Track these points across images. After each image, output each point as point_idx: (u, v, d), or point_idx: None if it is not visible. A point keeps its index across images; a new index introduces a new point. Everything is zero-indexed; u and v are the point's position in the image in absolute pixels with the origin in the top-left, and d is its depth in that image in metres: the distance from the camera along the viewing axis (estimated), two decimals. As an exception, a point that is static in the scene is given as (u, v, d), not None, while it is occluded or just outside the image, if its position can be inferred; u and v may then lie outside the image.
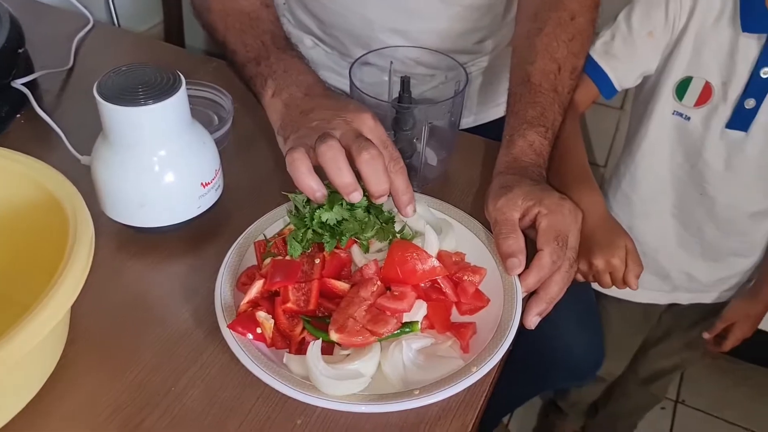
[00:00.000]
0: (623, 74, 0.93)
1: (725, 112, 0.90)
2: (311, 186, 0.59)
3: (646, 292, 1.12)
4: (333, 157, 0.58)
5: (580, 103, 0.93)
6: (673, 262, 1.07)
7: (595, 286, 1.11)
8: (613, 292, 1.13)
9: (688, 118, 0.92)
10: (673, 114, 0.94)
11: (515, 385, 1.16)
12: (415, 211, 0.62)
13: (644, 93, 0.98)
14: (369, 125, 0.63)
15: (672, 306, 1.17)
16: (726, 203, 0.97)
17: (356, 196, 0.59)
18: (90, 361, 0.58)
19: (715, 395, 1.70)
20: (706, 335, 1.12)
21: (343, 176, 0.58)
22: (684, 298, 1.12)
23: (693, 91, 0.91)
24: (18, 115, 0.84)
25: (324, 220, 0.62)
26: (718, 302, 1.12)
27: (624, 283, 0.74)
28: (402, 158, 0.63)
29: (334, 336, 0.55)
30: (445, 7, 0.87)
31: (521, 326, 0.62)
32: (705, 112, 0.91)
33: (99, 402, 0.55)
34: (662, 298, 1.13)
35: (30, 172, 0.58)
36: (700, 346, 1.24)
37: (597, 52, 0.93)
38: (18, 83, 0.82)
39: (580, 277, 0.77)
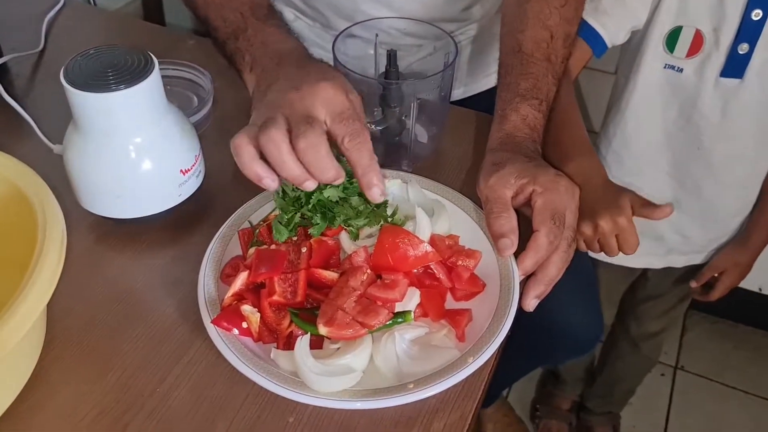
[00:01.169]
0: (614, 30, 0.90)
1: (718, 59, 0.87)
2: (257, 173, 0.55)
3: (640, 256, 1.10)
4: (274, 148, 0.54)
5: (574, 67, 0.90)
6: (668, 223, 1.05)
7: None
8: (607, 258, 1.12)
9: (681, 70, 0.90)
10: (664, 68, 0.91)
11: (515, 361, 1.15)
12: (383, 194, 0.56)
13: (630, 49, 0.96)
14: (324, 97, 0.56)
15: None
16: (724, 154, 0.95)
17: (309, 185, 0.55)
18: (70, 363, 0.56)
19: (715, 360, 1.69)
20: (693, 284, 1.11)
21: (286, 169, 0.54)
22: (679, 261, 1.11)
23: (684, 41, 0.88)
24: (-13, 102, 0.80)
25: (326, 197, 0.59)
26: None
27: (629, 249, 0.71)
28: (367, 132, 0.56)
29: (322, 330, 0.53)
30: None
31: (520, 305, 0.59)
32: (697, 62, 0.89)
33: (81, 406, 0.53)
34: (657, 262, 1.12)
35: (-5, 167, 0.55)
36: (688, 301, 1.24)
37: (586, 11, 0.90)
38: (-15, 69, 0.78)
39: (583, 245, 0.74)
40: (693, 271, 1.13)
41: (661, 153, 0.98)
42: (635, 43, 0.93)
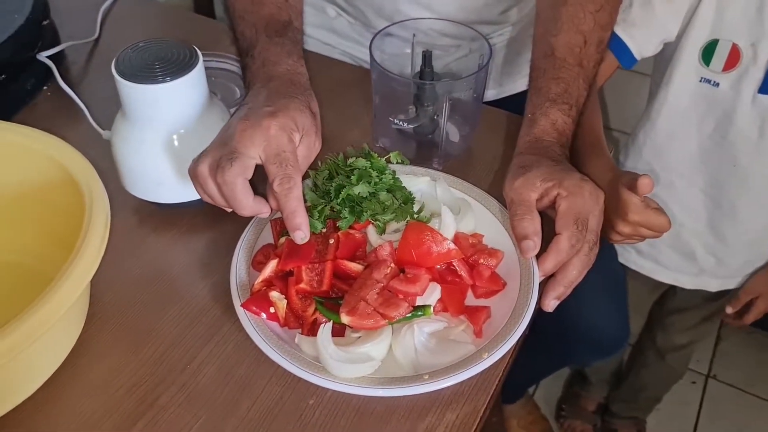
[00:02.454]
0: (642, 42, 0.89)
1: (756, 75, 0.85)
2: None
3: (671, 272, 1.10)
4: (201, 183, 0.60)
5: (600, 75, 0.89)
6: (702, 244, 1.04)
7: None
8: (638, 267, 1.11)
9: (717, 84, 0.88)
10: (700, 81, 0.89)
11: (540, 359, 1.16)
12: (306, 237, 0.57)
13: (663, 60, 0.94)
14: (265, 135, 0.57)
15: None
16: (762, 173, 0.93)
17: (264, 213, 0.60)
18: (109, 337, 0.60)
19: (748, 370, 1.67)
20: (729, 309, 1.09)
21: (213, 200, 0.60)
22: (712, 285, 1.09)
23: (720, 55, 0.86)
24: (44, 88, 0.84)
25: (356, 193, 0.62)
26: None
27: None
28: (298, 176, 0.57)
29: (345, 318, 0.55)
30: None
31: (540, 306, 0.61)
32: (734, 77, 0.87)
33: (118, 377, 0.57)
34: (687, 282, 1.10)
35: (48, 151, 0.59)
36: (717, 321, 1.22)
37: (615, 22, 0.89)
38: (43, 56, 0.83)
39: (629, 242, 0.73)
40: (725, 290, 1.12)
41: (695, 168, 0.96)
42: (668, 53, 0.92)
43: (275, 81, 0.65)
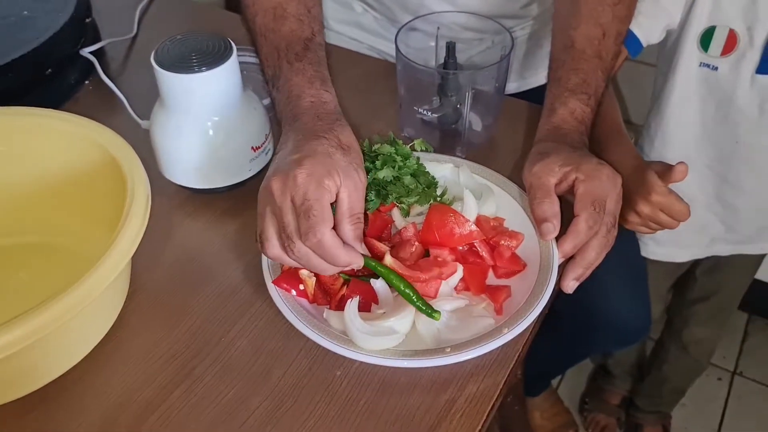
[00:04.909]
0: (648, 30, 0.91)
1: (753, 57, 0.88)
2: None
3: (685, 249, 1.12)
4: (282, 261, 0.59)
5: None
6: (710, 213, 1.06)
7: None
8: (655, 254, 1.13)
9: (716, 68, 0.91)
10: (700, 66, 0.92)
11: (562, 348, 1.18)
12: (359, 264, 0.58)
13: (667, 48, 0.97)
14: (293, 186, 0.56)
15: (709, 265, 1.16)
16: (764, 148, 0.95)
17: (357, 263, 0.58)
18: (148, 312, 0.63)
19: (776, 367, 1.66)
20: None
21: (326, 270, 0.58)
22: (724, 250, 1.11)
23: (718, 41, 0.89)
24: (86, 82, 0.89)
25: (381, 177, 0.64)
26: (762, 254, 1.10)
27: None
28: (321, 227, 0.55)
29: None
30: None
31: (561, 289, 0.63)
32: (733, 61, 0.89)
33: (156, 349, 0.60)
34: (701, 252, 1.12)
35: (93, 136, 0.63)
36: (736, 304, 1.22)
37: None
38: (86, 51, 0.87)
39: (644, 229, 0.76)
40: (741, 272, 1.13)
41: (701, 148, 0.99)
42: (671, 43, 0.95)
43: (301, 119, 0.64)
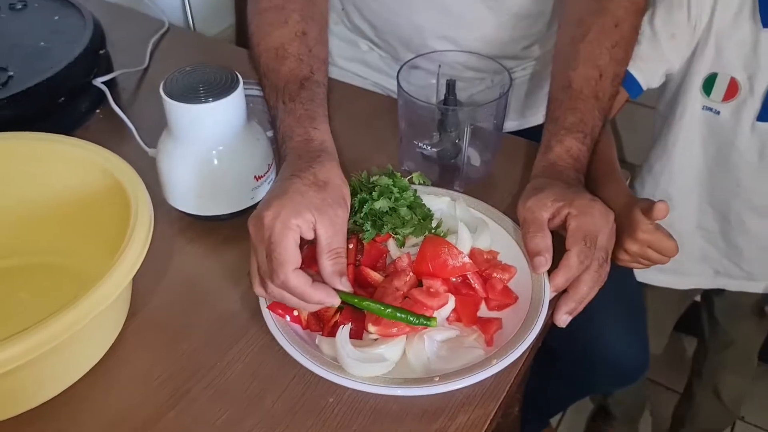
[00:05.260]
0: (649, 74, 0.94)
1: (754, 105, 0.90)
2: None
3: (688, 277, 1.13)
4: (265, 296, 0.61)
5: (612, 108, 0.94)
6: (713, 247, 1.07)
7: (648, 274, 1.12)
8: (656, 281, 1.14)
9: (718, 113, 0.94)
10: (702, 109, 0.95)
11: (560, 387, 1.18)
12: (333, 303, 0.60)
13: (671, 91, 0.99)
14: (267, 234, 0.58)
15: (725, 305, 1.16)
16: (764, 193, 0.97)
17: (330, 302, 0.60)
18: (147, 334, 0.65)
19: (780, 413, 1.64)
20: None
21: (303, 307, 0.60)
22: (732, 285, 1.12)
23: (719, 87, 0.92)
24: (97, 110, 0.92)
25: (377, 207, 0.66)
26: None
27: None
28: (281, 274, 0.57)
29: (372, 329, 0.59)
30: (492, 15, 0.89)
31: (566, 326, 0.64)
32: (734, 106, 0.92)
33: (154, 369, 0.62)
34: (706, 282, 1.13)
35: (100, 161, 0.65)
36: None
37: None
38: (98, 81, 0.90)
39: (636, 265, 0.76)
40: (757, 312, 1.13)
41: (704, 188, 1.01)
42: (675, 87, 0.97)
43: (287, 159, 0.67)
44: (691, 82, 0.93)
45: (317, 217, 0.59)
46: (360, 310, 0.61)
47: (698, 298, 1.27)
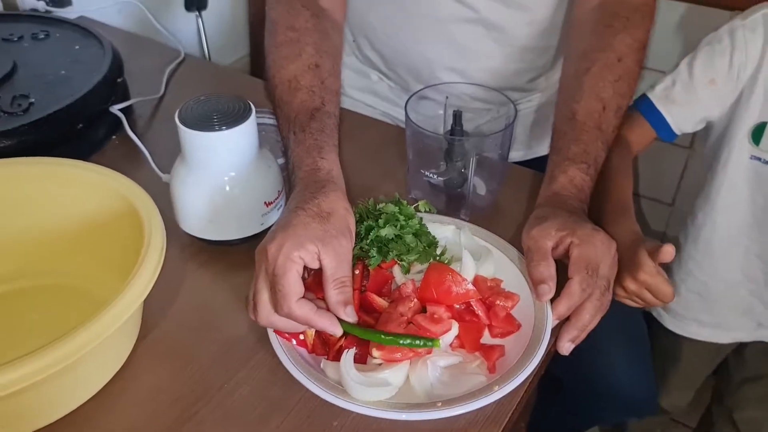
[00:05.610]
0: (681, 119, 0.94)
1: None
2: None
3: (730, 332, 1.12)
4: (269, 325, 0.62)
5: (635, 144, 0.95)
6: (756, 299, 1.06)
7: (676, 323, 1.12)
8: (697, 335, 1.13)
9: (767, 162, 0.93)
10: (750, 158, 0.94)
11: (566, 417, 1.17)
12: (335, 332, 0.61)
13: (716, 139, 0.99)
14: (271, 266, 0.60)
15: (760, 348, 1.16)
16: None
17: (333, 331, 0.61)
18: (157, 355, 0.66)
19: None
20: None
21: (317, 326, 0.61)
22: None
23: None
24: (113, 137, 0.94)
25: (383, 234, 0.67)
26: None
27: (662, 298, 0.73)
28: (285, 304, 0.59)
29: (376, 354, 0.60)
30: (498, 48, 0.91)
31: (570, 356, 0.65)
32: None
33: (162, 392, 0.63)
34: (748, 336, 1.12)
35: (115, 186, 0.67)
36: None
37: (656, 97, 0.95)
38: (115, 108, 0.93)
39: (630, 302, 0.77)
40: None
41: (750, 237, 1.00)
42: (720, 135, 0.97)
43: (295, 189, 0.69)
44: (737, 130, 0.93)
45: (321, 248, 0.61)
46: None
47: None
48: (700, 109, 0.94)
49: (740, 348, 1.21)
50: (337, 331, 0.61)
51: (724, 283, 1.04)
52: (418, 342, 0.60)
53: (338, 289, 0.61)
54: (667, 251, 0.68)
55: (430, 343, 0.61)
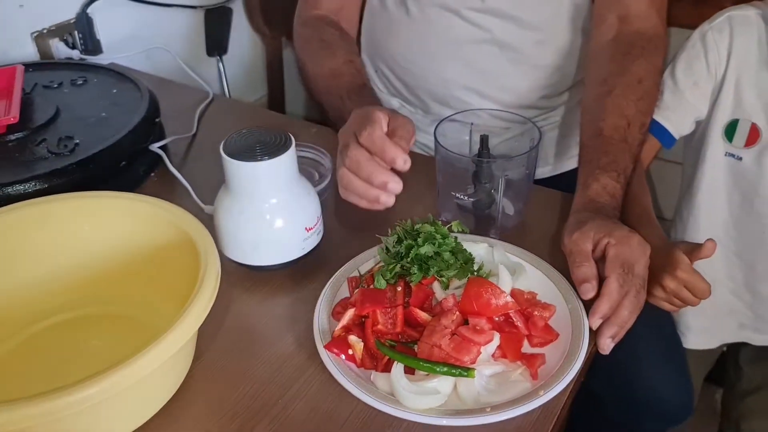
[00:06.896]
0: (678, 123, 0.99)
1: None
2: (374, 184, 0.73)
3: (716, 334, 1.14)
4: (354, 161, 0.73)
5: (644, 158, 0.99)
6: (737, 300, 1.08)
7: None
8: (693, 344, 1.15)
9: (740, 159, 0.97)
10: (725, 155, 0.98)
11: (603, 427, 1.18)
12: (403, 164, 0.72)
13: (695, 139, 1.03)
14: (357, 122, 0.75)
15: (751, 354, 1.17)
16: None
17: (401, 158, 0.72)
18: (213, 375, 0.69)
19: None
20: None
21: (365, 170, 0.73)
22: (756, 339, 1.12)
23: (741, 133, 0.96)
24: (152, 174, 0.99)
25: (422, 252, 0.71)
26: None
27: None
28: (371, 129, 0.72)
29: None
30: (512, 67, 0.96)
31: (604, 365, 0.67)
32: (756, 152, 0.95)
33: (219, 409, 0.66)
34: (731, 337, 1.14)
35: (171, 217, 0.71)
36: None
37: None
38: (155, 146, 0.97)
39: (667, 305, 0.80)
40: None
41: (729, 236, 1.03)
42: (699, 134, 1.02)
43: (366, 108, 0.79)
44: (713, 128, 0.97)
45: (390, 115, 0.75)
46: (410, 348, 0.66)
47: (724, 347, 1.28)
48: (690, 110, 0.99)
49: (735, 356, 1.22)
50: (403, 159, 0.71)
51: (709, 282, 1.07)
52: (454, 371, 0.63)
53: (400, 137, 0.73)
54: (709, 247, 0.71)
55: (465, 373, 0.63)
